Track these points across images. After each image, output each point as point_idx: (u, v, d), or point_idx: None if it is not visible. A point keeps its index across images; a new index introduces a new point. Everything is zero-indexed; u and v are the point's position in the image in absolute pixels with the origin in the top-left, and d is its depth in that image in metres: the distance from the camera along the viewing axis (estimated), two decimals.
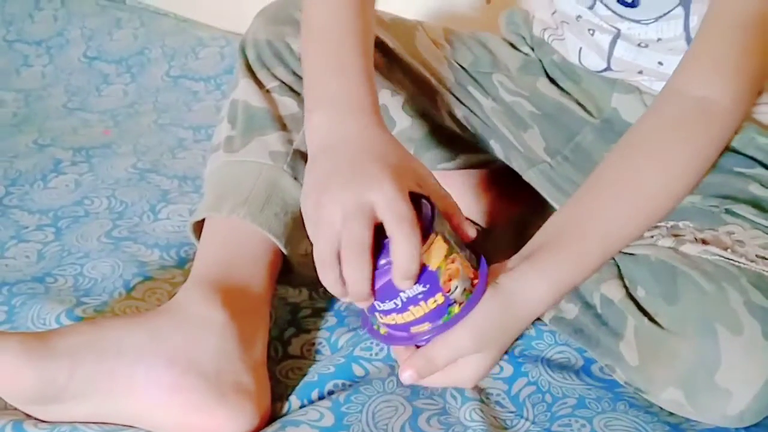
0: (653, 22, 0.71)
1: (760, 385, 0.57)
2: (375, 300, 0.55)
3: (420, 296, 0.54)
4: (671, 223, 0.67)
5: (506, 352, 0.70)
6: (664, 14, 0.70)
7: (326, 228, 0.53)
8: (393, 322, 0.56)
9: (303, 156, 0.72)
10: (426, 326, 0.56)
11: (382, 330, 0.59)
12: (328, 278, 0.54)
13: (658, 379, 0.61)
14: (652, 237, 0.66)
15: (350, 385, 0.66)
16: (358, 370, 0.67)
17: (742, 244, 0.63)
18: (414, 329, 0.56)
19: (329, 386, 0.66)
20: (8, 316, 0.74)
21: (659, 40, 0.71)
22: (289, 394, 0.65)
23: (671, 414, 0.63)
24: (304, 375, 0.68)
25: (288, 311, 0.76)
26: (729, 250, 0.63)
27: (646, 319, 0.62)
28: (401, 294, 0.54)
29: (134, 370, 0.59)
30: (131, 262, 0.82)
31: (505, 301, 0.57)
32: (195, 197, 0.96)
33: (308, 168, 0.58)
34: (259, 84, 0.75)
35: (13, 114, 1.22)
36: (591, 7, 0.74)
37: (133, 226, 0.90)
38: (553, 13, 0.81)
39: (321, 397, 0.65)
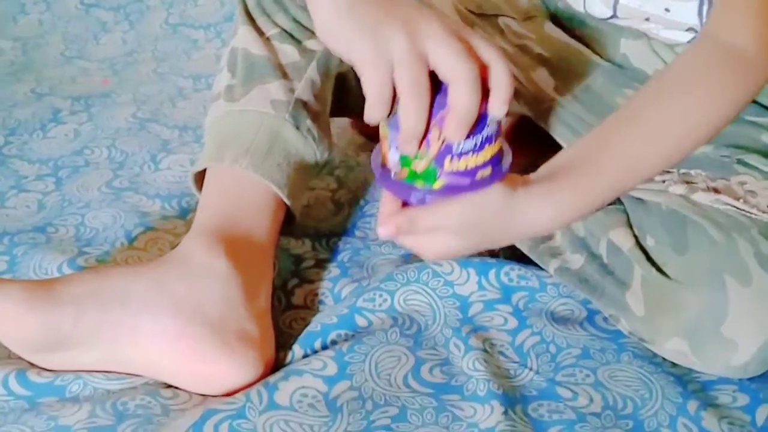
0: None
1: (766, 336, 0.57)
2: (452, 142, 0.53)
3: (494, 133, 0.54)
4: (683, 170, 0.66)
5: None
6: None
7: (383, 62, 0.50)
8: (464, 167, 0.54)
9: (305, 105, 0.71)
10: (489, 170, 0.55)
11: (439, 183, 0.55)
12: (381, 111, 0.52)
13: (663, 330, 0.61)
14: (663, 182, 0.66)
15: (353, 336, 0.66)
16: (361, 321, 0.67)
17: (754, 195, 0.63)
18: (480, 174, 0.55)
19: (332, 336, 0.66)
20: (9, 266, 0.73)
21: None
22: (292, 344, 0.65)
23: (675, 365, 0.63)
24: (307, 325, 0.67)
25: (291, 262, 0.76)
26: (741, 200, 0.62)
27: (654, 269, 0.61)
28: (486, 129, 0.53)
29: (139, 319, 0.58)
30: (133, 213, 0.81)
31: (508, 209, 0.56)
32: (196, 147, 0.95)
33: None
34: (259, 31, 0.73)
35: (10, 62, 1.20)
36: None
37: (133, 176, 0.89)
38: None
39: (324, 347, 0.65)
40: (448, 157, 0.53)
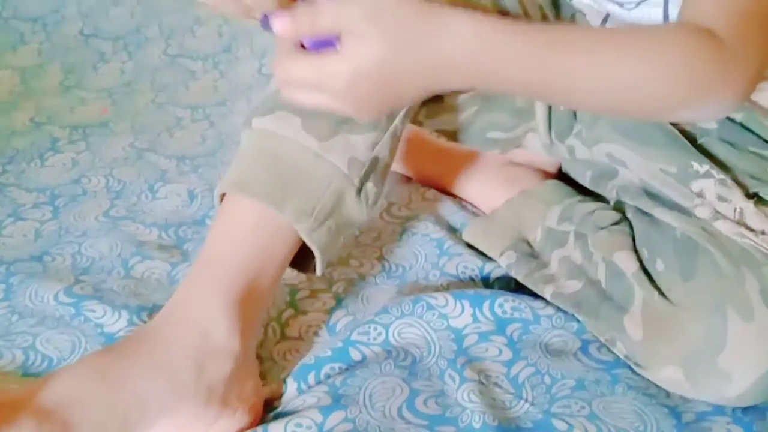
0: (635, 7, 0.71)
1: (762, 372, 0.58)
2: None
3: None
4: (722, 175, 0.64)
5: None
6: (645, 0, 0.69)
7: None
8: None
9: (377, 163, 0.66)
10: None
11: None
12: None
13: (659, 355, 0.61)
14: (695, 201, 0.64)
15: (347, 369, 0.66)
16: (355, 354, 0.67)
17: None
18: None
19: (326, 369, 0.66)
20: (6, 294, 0.74)
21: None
22: (286, 377, 0.65)
23: (669, 396, 0.63)
24: (301, 357, 0.67)
25: (286, 292, 0.76)
26: (763, 233, 0.62)
27: (656, 293, 0.62)
28: None
29: (157, 420, 0.56)
30: (129, 242, 0.82)
31: (429, 12, 0.52)
32: (193, 177, 0.96)
33: None
34: None
35: (9, 91, 1.21)
36: None
37: (131, 206, 0.90)
38: None
39: (318, 380, 0.65)
40: None
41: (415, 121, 0.75)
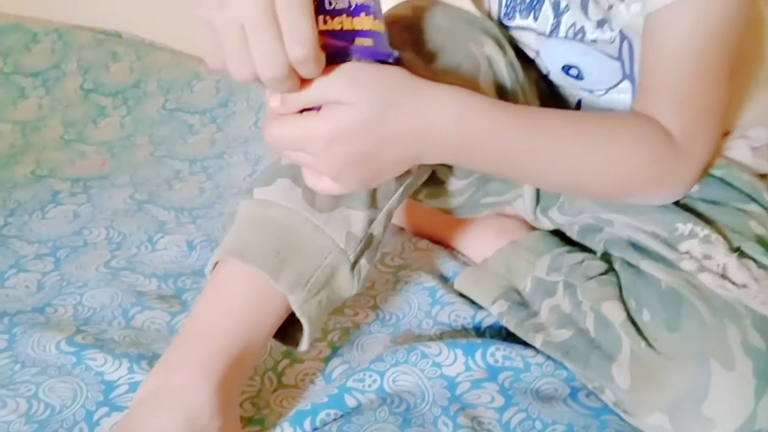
0: (604, 93, 0.75)
1: (744, 419, 0.60)
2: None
3: (370, 7, 0.54)
4: (706, 231, 0.67)
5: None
6: (613, 86, 0.73)
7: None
8: (339, 27, 0.53)
9: (371, 239, 0.67)
10: (370, 41, 0.54)
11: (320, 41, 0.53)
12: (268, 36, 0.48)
13: (646, 403, 0.63)
14: (685, 253, 0.67)
15: (342, 416, 0.67)
16: (350, 401, 0.68)
17: (757, 282, 0.64)
18: (359, 41, 0.54)
19: (322, 415, 0.67)
20: (9, 344, 0.75)
21: (613, 110, 0.74)
22: (282, 422, 0.67)
23: None
24: (298, 404, 0.69)
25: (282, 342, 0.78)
26: (745, 287, 0.64)
27: (643, 343, 0.64)
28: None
29: None
30: (130, 292, 0.83)
31: (412, 86, 0.55)
32: (191, 228, 0.97)
33: None
34: None
35: (10, 145, 1.23)
36: (547, 75, 0.77)
37: (131, 257, 0.91)
38: None
39: (314, 426, 0.66)
40: (321, 17, 0.52)
41: (416, 199, 0.78)
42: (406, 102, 0.55)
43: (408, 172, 0.64)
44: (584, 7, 0.69)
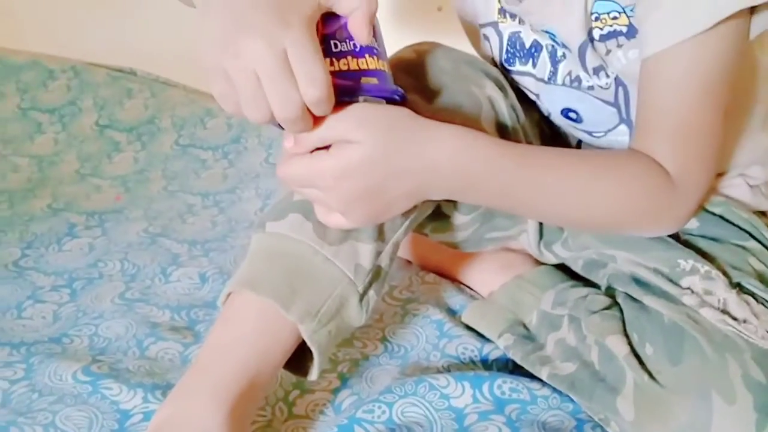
0: (603, 135, 0.77)
1: None
2: (330, 40, 0.55)
3: (374, 49, 0.57)
4: (707, 267, 0.69)
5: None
6: (611, 129, 0.75)
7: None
8: (346, 68, 0.56)
9: (379, 271, 0.70)
10: (375, 80, 0.57)
11: None
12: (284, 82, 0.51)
13: None
14: (687, 289, 0.68)
15: None
16: None
17: (757, 317, 0.66)
18: (366, 80, 0.57)
19: None
20: (26, 373, 0.77)
21: (611, 149, 0.76)
22: None
23: None
24: None
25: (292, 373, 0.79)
26: (744, 322, 0.65)
27: (646, 376, 0.65)
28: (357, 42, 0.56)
29: None
30: (144, 323, 0.85)
31: (416, 125, 0.57)
32: (204, 261, 0.99)
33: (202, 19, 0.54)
34: None
35: (27, 179, 1.26)
36: (548, 116, 0.79)
37: (145, 288, 0.93)
38: None
39: None
40: (327, 59, 0.55)
41: (421, 233, 0.80)
42: (408, 140, 0.57)
43: (414, 207, 0.66)
44: (582, 57, 0.72)
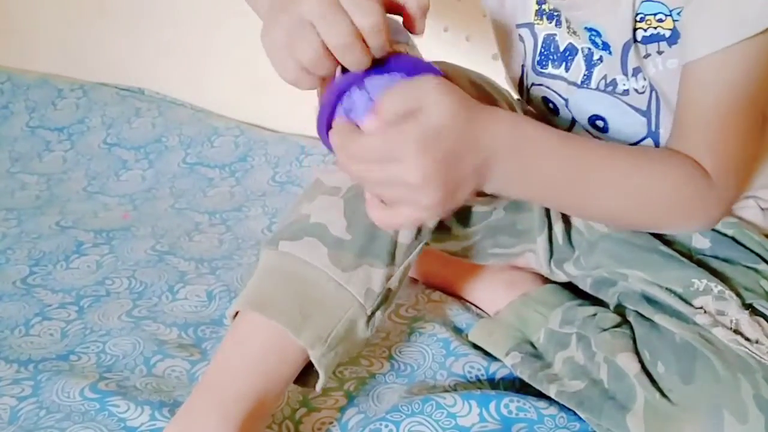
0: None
1: None
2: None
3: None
4: (720, 287, 0.69)
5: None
6: (637, 142, 0.75)
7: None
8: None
9: (388, 294, 0.71)
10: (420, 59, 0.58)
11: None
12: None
13: None
14: (700, 308, 0.69)
15: None
16: None
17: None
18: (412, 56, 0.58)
19: None
20: (34, 390, 0.77)
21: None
22: None
23: None
24: None
25: (299, 391, 0.79)
26: (756, 342, 0.65)
27: (658, 394, 0.65)
28: None
29: None
30: (151, 340, 0.85)
31: (469, 110, 0.57)
32: (211, 279, 0.99)
33: None
34: None
35: (35, 197, 1.26)
36: (570, 128, 0.79)
37: (152, 306, 0.93)
38: None
39: None
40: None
41: None
42: (475, 109, 0.57)
43: (420, 230, 0.68)
44: (624, 56, 0.71)
